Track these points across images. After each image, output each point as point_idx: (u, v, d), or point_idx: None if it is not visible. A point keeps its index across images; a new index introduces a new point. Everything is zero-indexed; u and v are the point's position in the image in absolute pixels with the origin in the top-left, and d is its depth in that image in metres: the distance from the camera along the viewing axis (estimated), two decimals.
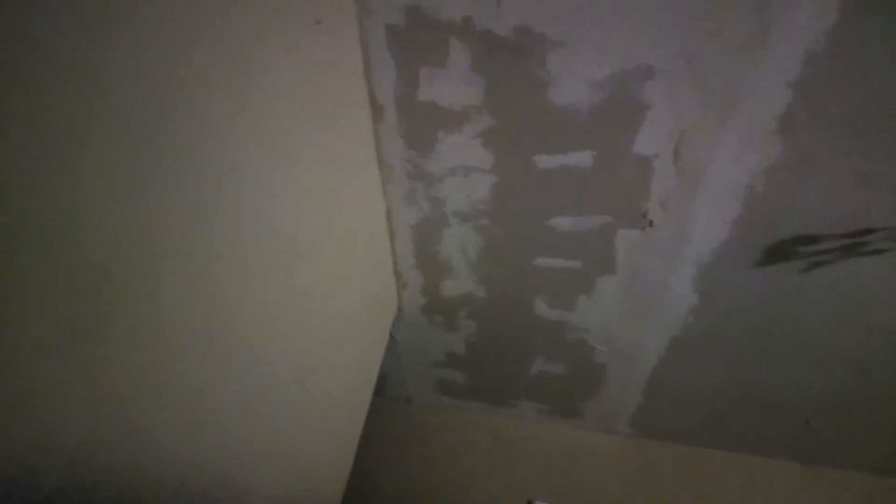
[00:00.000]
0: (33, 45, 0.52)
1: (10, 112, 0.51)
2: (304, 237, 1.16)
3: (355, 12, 1.23)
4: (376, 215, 1.62)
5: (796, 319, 1.70)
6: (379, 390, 2.53)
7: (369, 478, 2.46)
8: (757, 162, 1.34)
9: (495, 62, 1.28)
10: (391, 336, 2.11)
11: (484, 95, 1.34)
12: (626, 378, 2.10)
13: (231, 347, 0.94)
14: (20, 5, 0.51)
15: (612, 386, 2.16)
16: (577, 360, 2.08)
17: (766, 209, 1.42)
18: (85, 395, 0.64)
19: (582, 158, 1.42)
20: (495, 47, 1.25)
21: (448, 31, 1.24)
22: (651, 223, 1.53)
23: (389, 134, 1.46)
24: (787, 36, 1.13)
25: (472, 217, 1.64)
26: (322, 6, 1.10)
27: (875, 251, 1.47)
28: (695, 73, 1.22)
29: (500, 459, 2.46)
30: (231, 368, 0.95)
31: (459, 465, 2.46)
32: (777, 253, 1.52)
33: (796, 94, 1.21)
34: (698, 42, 1.18)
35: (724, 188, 1.41)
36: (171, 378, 0.79)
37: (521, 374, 2.23)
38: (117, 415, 0.69)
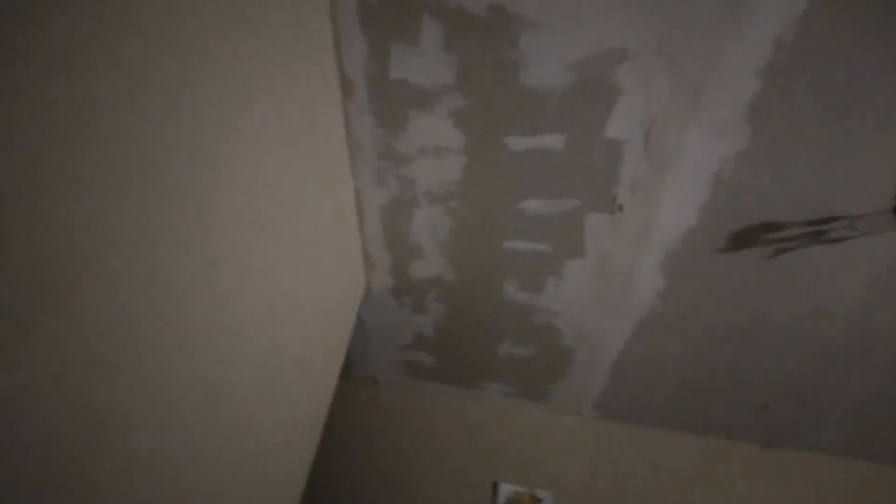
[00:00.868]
0: None
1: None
2: (268, 215, 1.14)
3: None
4: (344, 194, 1.60)
5: (760, 305, 1.73)
6: (346, 372, 2.52)
7: (335, 459, 2.45)
8: (726, 149, 1.35)
9: (468, 41, 1.26)
10: (359, 317, 2.10)
11: (456, 75, 1.32)
12: (592, 361, 2.13)
13: (191, 332, 0.92)
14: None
15: (579, 369, 2.18)
16: (544, 343, 2.09)
17: (734, 196, 1.44)
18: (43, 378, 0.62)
19: (553, 141, 1.42)
20: (469, 26, 1.23)
21: (421, 8, 1.22)
22: (621, 208, 1.54)
23: (359, 112, 1.44)
24: (757, 22, 1.14)
25: (442, 198, 1.63)
26: None
27: (837, 239, 1.50)
28: (667, 58, 1.22)
29: (467, 441, 2.48)
30: (191, 352, 0.93)
31: (426, 447, 2.47)
32: (743, 239, 1.55)
33: (765, 82, 1.22)
34: (671, 27, 1.18)
35: (693, 174, 1.42)
36: (131, 362, 0.77)
37: (489, 357, 2.24)
38: (77, 397, 0.67)
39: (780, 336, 1.83)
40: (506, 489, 2.35)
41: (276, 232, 1.18)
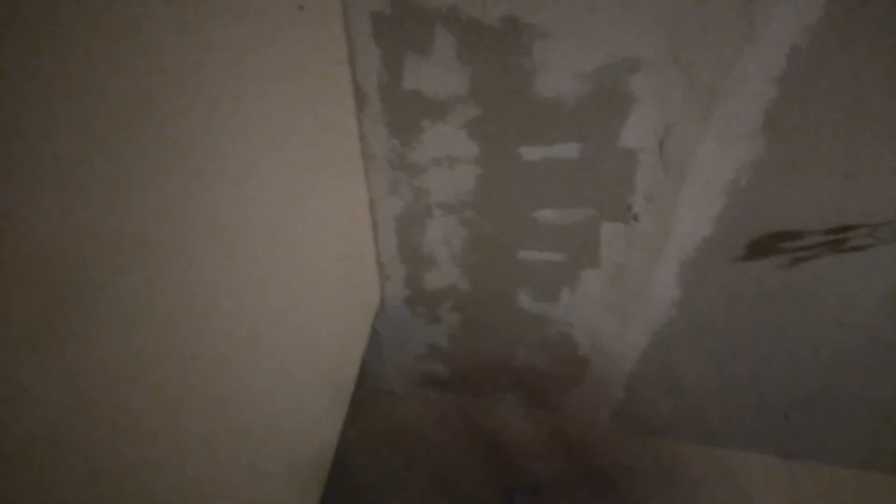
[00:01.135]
0: None
1: None
2: (284, 227, 1.14)
3: None
4: (359, 205, 1.60)
5: (778, 315, 1.70)
6: (360, 383, 2.52)
7: (350, 471, 2.45)
8: (741, 157, 1.34)
9: (481, 52, 1.26)
10: (373, 328, 2.10)
11: (469, 85, 1.32)
12: (608, 372, 2.11)
13: (205, 345, 0.92)
14: None
15: (595, 379, 2.17)
16: (559, 354, 2.08)
17: (750, 204, 1.43)
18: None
19: (567, 151, 1.41)
20: (481, 37, 1.23)
21: (434, 20, 1.22)
22: (636, 217, 1.53)
23: (373, 122, 1.44)
24: (772, 30, 1.13)
25: (456, 208, 1.63)
26: None
27: (856, 248, 1.47)
28: (682, 66, 1.22)
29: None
30: (205, 366, 0.93)
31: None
32: (760, 248, 1.53)
33: (781, 90, 1.21)
34: (686, 35, 1.17)
35: (708, 183, 1.41)
36: (141, 376, 0.77)
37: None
38: (86, 412, 0.67)
39: (798, 346, 1.80)
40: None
41: (291, 244, 1.18)
